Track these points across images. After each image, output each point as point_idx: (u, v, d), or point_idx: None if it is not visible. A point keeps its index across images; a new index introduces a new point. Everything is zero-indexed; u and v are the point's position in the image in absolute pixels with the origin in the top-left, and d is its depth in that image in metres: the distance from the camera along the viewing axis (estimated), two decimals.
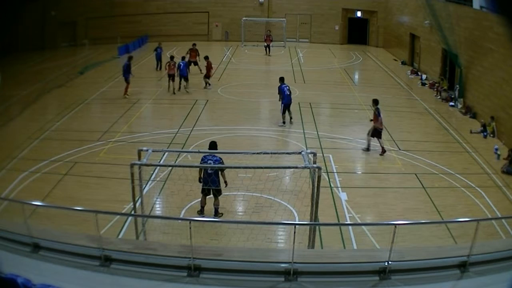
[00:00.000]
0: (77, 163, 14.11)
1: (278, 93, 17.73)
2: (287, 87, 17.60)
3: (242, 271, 6.39)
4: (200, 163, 10.87)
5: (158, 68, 26.86)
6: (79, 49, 31.62)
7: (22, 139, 15.81)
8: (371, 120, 15.61)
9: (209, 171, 10.66)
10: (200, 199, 11.02)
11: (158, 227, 10.09)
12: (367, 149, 15.50)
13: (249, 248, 8.12)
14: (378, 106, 15.62)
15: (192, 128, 17.29)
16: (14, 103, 19.49)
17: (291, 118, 17.99)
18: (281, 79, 18.08)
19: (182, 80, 22.07)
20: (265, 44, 32.38)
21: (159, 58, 26.86)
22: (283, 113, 17.69)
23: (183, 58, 23.62)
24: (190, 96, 21.79)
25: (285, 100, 17.44)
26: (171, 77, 21.83)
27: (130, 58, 21.76)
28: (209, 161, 10.68)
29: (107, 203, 11.62)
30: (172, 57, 22.34)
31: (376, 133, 15.32)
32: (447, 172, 14.07)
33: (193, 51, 25.56)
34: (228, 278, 6.29)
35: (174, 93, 21.94)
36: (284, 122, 17.76)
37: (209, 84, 23.05)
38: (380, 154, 15.23)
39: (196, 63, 25.40)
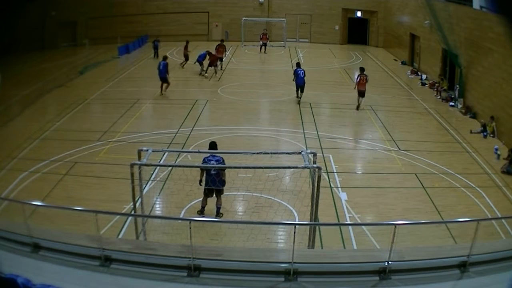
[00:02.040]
0: (77, 163, 14.11)
1: (293, 74, 20.74)
2: (302, 71, 20.39)
3: (242, 271, 6.39)
4: (202, 164, 10.85)
5: (155, 57, 29.21)
6: (79, 49, 31.59)
7: (22, 139, 15.80)
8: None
9: (212, 172, 10.58)
10: (201, 199, 11.01)
11: (158, 227, 10.09)
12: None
13: (249, 248, 8.11)
14: (359, 73, 20.46)
15: (192, 128, 17.29)
16: (14, 103, 19.49)
17: (300, 97, 20.54)
18: (298, 64, 21.59)
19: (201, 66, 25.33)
20: (261, 42, 32.78)
21: (156, 48, 29.63)
22: (297, 90, 20.62)
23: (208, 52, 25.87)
24: (190, 96, 21.81)
25: (297, 80, 20.39)
26: (185, 57, 26.64)
27: (165, 58, 21.77)
28: (211, 162, 10.63)
29: (107, 203, 11.61)
30: (187, 41, 26.79)
31: (359, 93, 20.10)
32: (447, 172, 14.07)
33: (221, 47, 26.77)
34: (228, 278, 6.29)
35: (183, 67, 26.46)
36: (297, 96, 20.75)
37: (206, 72, 25.38)
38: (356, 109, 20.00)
39: (221, 59, 26.61)
